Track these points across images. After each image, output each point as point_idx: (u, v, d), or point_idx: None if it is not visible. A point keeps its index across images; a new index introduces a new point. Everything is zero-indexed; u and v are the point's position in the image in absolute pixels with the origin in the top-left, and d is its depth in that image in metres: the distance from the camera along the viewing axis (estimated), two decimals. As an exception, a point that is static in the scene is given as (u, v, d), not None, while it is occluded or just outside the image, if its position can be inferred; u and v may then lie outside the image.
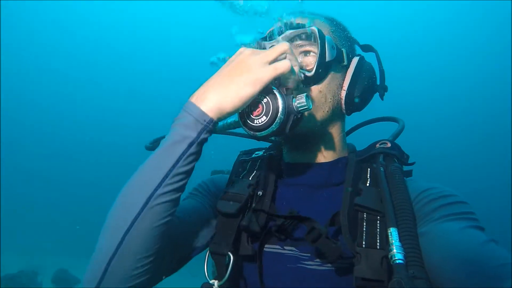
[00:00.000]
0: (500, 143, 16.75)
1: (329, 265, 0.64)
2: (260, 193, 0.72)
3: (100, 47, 20.53)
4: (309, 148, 0.76)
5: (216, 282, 0.66)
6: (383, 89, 0.81)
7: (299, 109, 0.63)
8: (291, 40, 0.72)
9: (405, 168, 0.75)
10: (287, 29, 0.72)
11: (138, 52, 20.96)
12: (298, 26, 0.71)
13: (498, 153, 17.40)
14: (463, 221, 0.59)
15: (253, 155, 0.84)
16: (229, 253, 0.66)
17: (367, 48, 0.84)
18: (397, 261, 0.54)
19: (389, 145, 0.75)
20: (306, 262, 0.66)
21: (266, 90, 0.62)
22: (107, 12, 19.45)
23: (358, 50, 0.84)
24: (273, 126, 0.62)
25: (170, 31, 20.96)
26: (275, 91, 0.63)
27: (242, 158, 0.84)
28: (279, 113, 0.61)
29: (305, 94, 0.63)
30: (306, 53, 0.72)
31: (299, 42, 0.72)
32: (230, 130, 0.82)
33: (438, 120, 19.74)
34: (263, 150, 0.86)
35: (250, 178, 0.76)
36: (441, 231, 0.58)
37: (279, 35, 0.72)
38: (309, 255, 0.66)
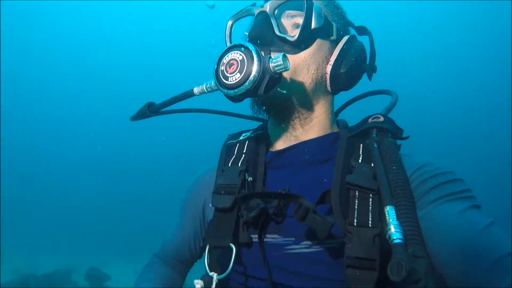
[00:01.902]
0: (500, 143, 16.34)
1: (316, 246, 0.62)
2: (250, 178, 0.70)
3: (100, 47, 20.55)
4: (293, 125, 0.73)
5: (215, 275, 0.64)
6: (371, 69, 0.79)
7: (275, 69, 0.60)
8: (280, 7, 0.70)
9: (399, 142, 0.72)
10: None
11: (138, 52, 20.94)
12: None
13: (498, 153, 16.73)
14: (460, 202, 0.57)
15: (241, 137, 0.81)
16: (231, 244, 0.64)
17: (361, 30, 0.82)
18: (396, 241, 0.51)
19: (382, 119, 0.71)
20: (291, 247, 0.64)
21: (243, 48, 0.61)
22: (107, 12, 19.46)
23: (354, 33, 0.81)
24: (246, 84, 0.60)
25: (170, 31, 20.67)
26: (252, 49, 0.60)
27: (229, 142, 0.81)
28: (253, 71, 0.59)
29: (282, 53, 0.60)
30: (296, 26, 0.70)
31: (290, 11, 0.71)
32: (210, 110, 0.84)
33: (438, 120, 19.29)
34: (251, 131, 0.83)
35: (239, 164, 0.73)
36: (438, 215, 0.56)
37: (267, 1, 0.70)
38: (293, 239, 0.64)
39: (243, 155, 0.75)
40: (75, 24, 19.44)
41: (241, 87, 0.60)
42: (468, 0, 15.48)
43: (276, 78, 0.62)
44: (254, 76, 0.59)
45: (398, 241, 0.51)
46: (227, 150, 0.79)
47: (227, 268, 0.64)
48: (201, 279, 0.67)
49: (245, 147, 0.77)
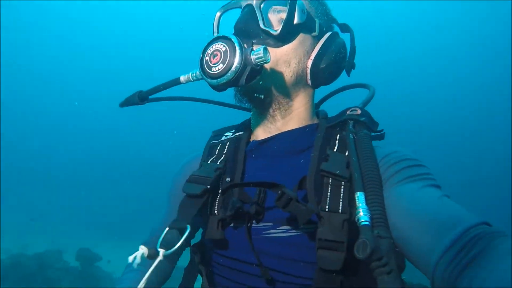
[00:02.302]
0: (501, 143, 16.47)
1: (293, 231, 0.65)
2: (228, 179, 0.73)
3: (100, 47, 20.48)
4: (274, 116, 0.76)
5: (162, 251, 0.63)
6: (350, 66, 0.82)
7: (256, 61, 0.63)
8: (267, 1, 0.73)
9: (374, 134, 0.76)
10: None
11: (138, 52, 20.85)
12: None
13: (498, 153, 16.89)
14: (420, 182, 0.62)
15: (223, 137, 0.84)
16: (188, 225, 0.67)
17: (344, 27, 0.85)
18: (363, 223, 0.56)
19: (359, 112, 0.75)
20: (269, 231, 0.67)
21: (226, 40, 0.64)
22: (106, 12, 19.23)
23: (337, 30, 0.84)
24: (228, 74, 0.62)
25: (169, 31, 20.46)
26: (234, 41, 0.63)
27: (211, 142, 0.84)
28: (235, 62, 0.62)
29: (263, 46, 0.63)
30: (282, 21, 0.72)
31: (277, 7, 0.74)
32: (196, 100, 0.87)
33: (437, 120, 19.49)
34: (233, 130, 0.86)
35: (218, 162, 0.77)
36: (400, 193, 0.61)
37: None
38: (271, 224, 0.67)
39: (223, 156, 0.78)
40: (75, 23, 19.09)
41: (223, 77, 0.63)
42: (468, 0, 15.39)
43: (257, 70, 0.65)
44: (236, 67, 0.62)
45: (365, 223, 0.56)
46: (209, 149, 0.83)
47: (209, 242, 0.70)
48: (146, 248, 0.64)
49: (226, 147, 0.80)
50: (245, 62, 0.63)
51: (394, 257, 0.54)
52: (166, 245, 0.65)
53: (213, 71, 0.64)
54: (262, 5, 0.72)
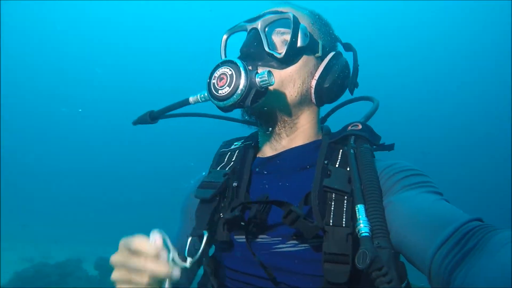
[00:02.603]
0: (501, 143, 16.11)
1: (301, 245, 0.67)
2: (235, 184, 0.76)
3: (100, 46, 20.79)
4: (280, 133, 0.79)
5: (189, 259, 0.67)
6: (353, 85, 0.84)
7: (261, 83, 0.66)
8: (272, 24, 0.76)
9: (384, 144, 0.78)
10: (267, 14, 0.77)
11: (138, 51, 21.13)
12: (277, 12, 0.77)
13: (498, 153, 16.50)
14: (420, 188, 0.64)
15: (232, 146, 0.87)
16: (204, 231, 0.70)
17: (347, 46, 0.87)
18: (363, 234, 0.58)
19: (360, 127, 0.77)
20: (278, 246, 0.69)
21: (232, 64, 0.67)
22: (107, 11, 19.49)
23: (341, 49, 0.87)
24: (234, 96, 0.66)
25: (169, 30, 20.67)
26: (240, 65, 0.66)
27: (221, 150, 0.88)
28: (240, 85, 0.65)
29: (267, 70, 0.66)
30: (286, 42, 0.75)
31: (280, 29, 0.76)
32: (203, 115, 0.90)
33: (437, 120, 19.06)
34: (242, 140, 0.89)
35: (226, 169, 0.80)
36: (400, 199, 0.62)
37: (259, 19, 0.76)
38: (280, 239, 0.69)
39: (232, 163, 0.82)
40: (74, 24, 19.41)
41: (230, 99, 0.66)
42: (468, 0, 15.25)
43: (262, 92, 0.69)
44: (242, 89, 0.65)
45: (365, 234, 0.58)
46: (219, 157, 0.86)
47: (220, 257, 0.72)
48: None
49: (235, 155, 0.84)
50: (250, 84, 0.66)
51: (394, 267, 0.56)
52: (192, 253, 0.69)
53: (220, 93, 0.67)
54: (266, 29, 0.76)
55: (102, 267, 5.68)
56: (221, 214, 0.74)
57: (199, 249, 0.69)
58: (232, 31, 0.85)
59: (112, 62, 21.49)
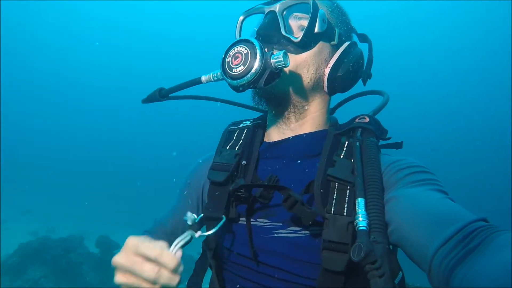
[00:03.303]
0: (501, 143, 16.05)
1: (301, 232, 0.68)
2: (244, 162, 0.77)
3: (101, 46, 21.04)
4: (289, 118, 0.78)
5: (199, 232, 0.63)
6: (366, 76, 0.84)
7: (276, 64, 0.65)
8: (290, 8, 0.75)
9: (390, 141, 0.78)
10: None
11: (138, 51, 21.22)
12: None
13: (498, 153, 16.43)
14: (425, 186, 0.63)
15: (241, 125, 0.87)
16: (223, 216, 0.70)
17: (362, 37, 0.86)
18: (361, 228, 0.59)
19: (367, 120, 0.77)
20: (278, 231, 0.70)
21: (248, 43, 0.66)
22: (107, 11, 19.53)
23: (356, 40, 0.85)
24: (248, 76, 0.64)
25: (169, 30, 20.53)
26: (256, 45, 0.66)
27: (230, 128, 0.87)
28: (255, 65, 0.64)
29: (283, 51, 0.65)
30: (302, 28, 0.75)
31: (298, 14, 0.76)
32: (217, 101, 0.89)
33: (437, 120, 18.86)
34: (251, 120, 0.89)
35: (236, 148, 0.80)
36: (404, 194, 0.62)
37: (278, 2, 0.75)
38: (280, 224, 0.70)
39: (241, 141, 0.82)
40: (75, 24, 19.39)
41: (243, 78, 0.66)
42: (468, 0, 15.00)
43: (276, 73, 0.67)
44: (256, 69, 0.65)
45: (363, 228, 0.59)
46: (227, 135, 0.86)
47: (220, 238, 0.73)
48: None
49: (244, 134, 0.83)
50: (265, 65, 0.65)
51: (387, 262, 0.57)
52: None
53: (234, 72, 0.66)
54: (284, 12, 0.75)
55: (102, 244, 5.82)
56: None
57: (220, 232, 0.71)
58: (249, 13, 0.83)
59: (114, 59, 21.58)
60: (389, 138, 0.78)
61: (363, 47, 0.85)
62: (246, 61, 0.65)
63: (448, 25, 17.04)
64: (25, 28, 19.27)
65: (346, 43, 0.79)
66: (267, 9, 0.76)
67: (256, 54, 0.65)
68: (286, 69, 0.71)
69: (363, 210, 0.61)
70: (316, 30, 0.73)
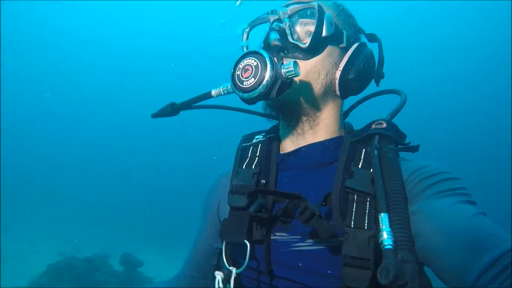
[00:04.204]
0: (500, 143, 15.67)
1: (320, 245, 0.66)
2: (263, 181, 0.74)
3: (100, 46, 20.82)
4: (302, 127, 0.76)
5: (234, 269, 0.69)
6: (379, 76, 0.82)
7: (287, 74, 0.64)
8: (295, 15, 0.74)
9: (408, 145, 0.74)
10: (291, 5, 0.75)
11: (138, 51, 21.10)
12: (300, 2, 0.75)
13: (498, 153, 15.98)
14: (454, 197, 0.59)
15: (254, 140, 0.85)
16: (245, 241, 0.69)
17: (371, 37, 0.85)
18: (386, 247, 0.56)
19: (384, 125, 0.74)
20: (297, 244, 0.68)
21: (257, 55, 0.66)
22: (107, 11, 19.48)
23: (365, 40, 0.84)
24: (260, 88, 0.64)
25: (170, 31, 20.60)
26: (265, 56, 0.65)
27: (243, 145, 0.85)
28: (266, 76, 0.63)
29: (293, 60, 0.65)
30: (309, 33, 0.73)
31: (304, 19, 0.75)
32: (224, 107, 0.89)
33: (437, 120, 18.38)
34: (263, 133, 0.87)
35: (253, 166, 0.78)
36: (432, 208, 0.58)
37: (282, 9, 0.74)
38: (299, 237, 0.68)
39: (256, 158, 0.80)
40: (75, 23, 19.19)
41: (255, 90, 0.65)
42: (468, 0, 14.89)
43: (287, 83, 0.67)
44: (267, 81, 0.64)
45: (389, 246, 0.55)
46: (242, 152, 0.84)
47: (241, 262, 0.70)
48: (221, 271, 0.73)
49: (258, 150, 0.82)
50: (275, 76, 0.64)
51: (419, 282, 0.54)
52: (230, 262, 0.71)
53: (245, 85, 0.66)
54: (290, 19, 0.74)
55: (126, 262, 5.89)
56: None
57: (241, 257, 0.69)
58: (254, 24, 0.83)
59: (113, 61, 21.43)
60: (408, 144, 0.74)
61: (373, 47, 0.84)
62: (256, 73, 0.65)
63: (448, 25, 16.84)
64: (25, 28, 19.11)
65: (355, 45, 0.78)
66: (272, 17, 0.76)
67: (266, 65, 0.64)
68: (297, 77, 0.70)
69: (387, 226, 0.57)
70: (323, 34, 0.72)
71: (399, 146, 0.73)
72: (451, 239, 0.53)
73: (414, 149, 0.76)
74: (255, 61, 0.66)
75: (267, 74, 0.64)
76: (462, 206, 0.57)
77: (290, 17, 0.75)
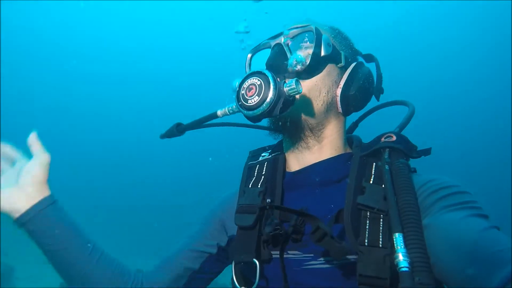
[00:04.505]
0: (500, 143, 15.67)
1: (333, 263, 0.65)
2: (269, 200, 0.75)
3: (101, 46, 20.65)
4: (307, 145, 0.78)
5: None
6: (378, 91, 0.85)
7: (289, 92, 0.67)
8: (295, 38, 0.79)
9: (413, 161, 0.74)
10: (290, 30, 0.80)
11: (138, 51, 20.96)
12: (298, 27, 0.80)
13: (498, 153, 15.96)
14: (464, 210, 0.58)
15: (260, 158, 0.87)
16: (254, 259, 0.69)
17: (368, 57, 0.88)
18: (403, 269, 0.54)
19: (394, 138, 0.74)
20: (310, 263, 0.68)
21: (260, 75, 0.69)
22: (107, 10, 19.40)
23: (361, 61, 0.87)
24: (264, 105, 0.67)
25: (170, 31, 20.46)
26: (268, 75, 0.68)
27: (250, 163, 0.87)
28: (269, 94, 0.67)
29: (295, 79, 0.68)
30: (309, 56, 0.76)
31: (304, 44, 0.79)
32: (229, 122, 0.90)
33: (437, 121, 18.38)
34: (269, 151, 0.89)
35: (259, 185, 0.79)
36: (442, 222, 0.58)
37: (282, 35, 0.80)
38: (312, 255, 0.68)
39: (262, 177, 0.81)
40: (75, 23, 18.87)
41: (259, 108, 0.68)
42: (468, 0, 14.96)
43: (290, 101, 0.70)
44: (271, 98, 0.67)
45: (405, 269, 0.54)
46: (248, 171, 0.86)
47: (251, 281, 0.70)
48: None
49: (264, 168, 0.83)
50: (279, 94, 0.67)
51: None
52: (240, 281, 0.71)
53: (249, 103, 0.69)
54: (290, 43, 0.79)
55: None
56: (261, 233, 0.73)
57: (251, 276, 0.69)
58: (256, 50, 0.87)
59: (116, 62, 21.10)
60: (419, 156, 0.74)
61: (370, 65, 0.86)
62: (260, 92, 0.68)
63: (447, 25, 16.92)
64: (25, 28, 18.82)
65: (353, 64, 0.81)
66: (273, 42, 0.80)
67: (269, 84, 0.67)
68: (299, 96, 0.72)
69: (402, 247, 0.56)
70: (322, 53, 0.76)
71: (410, 159, 0.73)
72: (463, 255, 0.52)
73: (426, 152, 0.75)
74: (258, 80, 0.69)
75: (271, 92, 0.67)
76: (473, 220, 0.56)
77: (290, 40, 0.79)
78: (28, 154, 0.75)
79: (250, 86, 0.69)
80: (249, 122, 0.94)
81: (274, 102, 0.67)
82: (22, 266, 7.63)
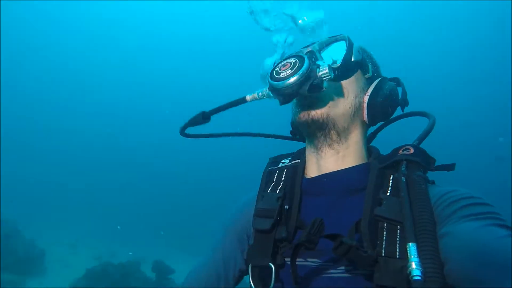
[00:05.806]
0: (501, 143, 15.35)
1: (352, 272, 0.66)
2: (287, 206, 0.76)
3: (101, 46, 20.78)
4: (329, 151, 0.78)
5: None
6: (404, 102, 0.86)
7: (321, 76, 0.68)
8: (325, 48, 0.81)
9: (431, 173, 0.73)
10: (323, 39, 0.82)
11: (138, 51, 21.03)
12: (331, 37, 0.83)
13: (498, 153, 15.59)
14: (483, 220, 0.58)
15: (280, 164, 0.87)
16: (270, 264, 0.71)
17: (394, 81, 0.88)
18: (415, 277, 0.55)
19: (412, 151, 0.73)
20: (329, 271, 0.69)
21: (297, 55, 0.72)
22: (107, 10, 19.52)
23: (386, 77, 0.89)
24: (295, 77, 0.68)
25: (170, 31, 20.50)
26: (304, 57, 0.71)
27: (269, 168, 0.88)
28: (302, 68, 0.68)
29: (328, 64, 0.69)
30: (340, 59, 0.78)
31: (336, 50, 0.80)
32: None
33: (437, 120, 17.87)
34: (290, 158, 0.89)
35: (277, 191, 0.80)
36: (461, 230, 0.57)
37: (314, 44, 0.81)
38: (331, 263, 0.69)
39: (281, 183, 0.82)
40: (75, 23, 18.98)
41: (289, 78, 0.68)
42: (468, 0, 14.49)
43: (319, 85, 0.69)
44: (303, 70, 0.68)
45: (417, 277, 0.54)
46: (267, 176, 0.86)
47: (268, 285, 0.71)
48: None
49: (284, 174, 0.84)
50: (310, 72, 0.68)
51: None
52: (257, 284, 0.73)
53: (281, 75, 0.70)
54: (321, 51, 0.80)
55: (158, 270, 6.04)
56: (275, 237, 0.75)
57: (268, 280, 0.71)
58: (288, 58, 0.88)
59: (117, 61, 21.18)
60: (436, 169, 0.74)
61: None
62: (294, 66, 0.69)
63: (447, 25, 16.27)
64: (25, 28, 19.09)
65: (380, 78, 0.83)
66: (305, 50, 0.81)
67: (303, 60, 0.70)
68: (327, 94, 0.74)
69: (415, 256, 0.56)
70: (353, 58, 0.77)
71: (428, 172, 0.73)
72: (475, 262, 0.52)
73: (450, 167, 0.76)
74: (294, 59, 0.71)
75: (304, 67, 0.68)
76: (492, 229, 0.56)
77: (321, 49, 0.80)
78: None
79: (285, 63, 0.71)
80: (273, 133, 0.97)
81: (305, 77, 0.67)
82: (52, 249, 8.12)
